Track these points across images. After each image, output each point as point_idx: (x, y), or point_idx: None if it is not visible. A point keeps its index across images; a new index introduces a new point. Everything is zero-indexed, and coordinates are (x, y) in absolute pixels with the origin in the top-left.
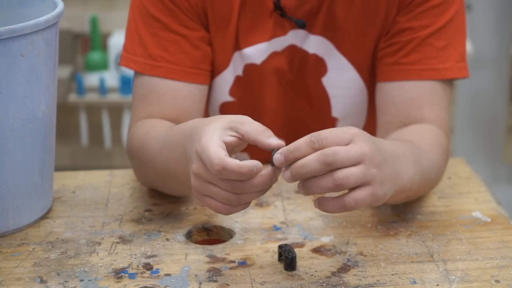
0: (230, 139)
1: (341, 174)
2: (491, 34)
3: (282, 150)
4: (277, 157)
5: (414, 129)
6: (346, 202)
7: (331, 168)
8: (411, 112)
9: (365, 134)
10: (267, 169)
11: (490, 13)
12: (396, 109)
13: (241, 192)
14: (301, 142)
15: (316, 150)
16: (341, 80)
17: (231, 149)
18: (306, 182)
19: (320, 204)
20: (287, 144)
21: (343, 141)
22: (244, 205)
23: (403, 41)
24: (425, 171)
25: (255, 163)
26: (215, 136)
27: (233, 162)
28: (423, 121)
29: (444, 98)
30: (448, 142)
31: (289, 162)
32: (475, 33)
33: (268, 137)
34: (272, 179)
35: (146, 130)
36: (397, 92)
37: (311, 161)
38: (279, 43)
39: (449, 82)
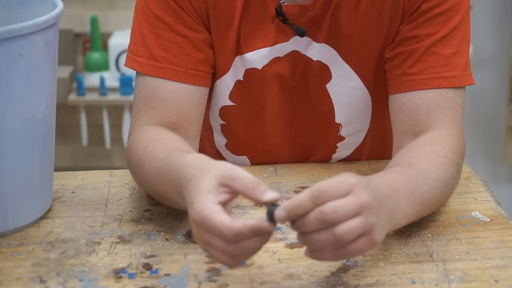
0: (224, 198)
1: (341, 230)
2: (491, 34)
3: (285, 207)
4: (280, 214)
5: (418, 145)
6: (345, 253)
7: (331, 224)
8: (420, 118)
9: (363, 182)
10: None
11: (490, 13)
12: (406, 117)
13: (244, 248)
14: (304, 198)
15: (318, 205)
16: (345, 88)
17: (226, 205)
18: (307, 236)
19: (313, 254)
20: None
21: (343, 192)
22: (246, 256)
23: (408, 50)
24: (424, 197)
25: (262, 222)
26: (210, 201)
27: (243, 226)
28: (433, 127)
29: (454, 102)
30: (459, 149)
31: (291, 218)
32: (475, 33)
33: (262, 193)
34: (271, 233)
35: (144, 145)
36: (406, 100)
37: (311, 220)
38: (282, 49)
39: (459, 88)
